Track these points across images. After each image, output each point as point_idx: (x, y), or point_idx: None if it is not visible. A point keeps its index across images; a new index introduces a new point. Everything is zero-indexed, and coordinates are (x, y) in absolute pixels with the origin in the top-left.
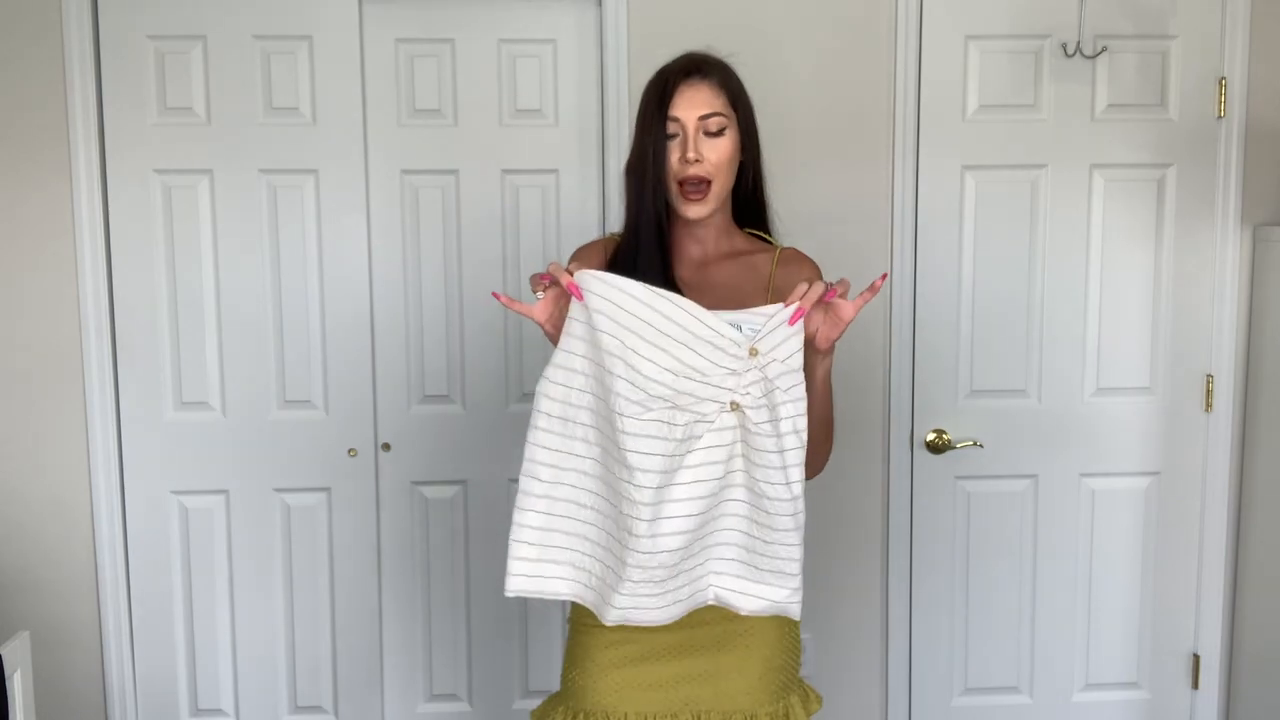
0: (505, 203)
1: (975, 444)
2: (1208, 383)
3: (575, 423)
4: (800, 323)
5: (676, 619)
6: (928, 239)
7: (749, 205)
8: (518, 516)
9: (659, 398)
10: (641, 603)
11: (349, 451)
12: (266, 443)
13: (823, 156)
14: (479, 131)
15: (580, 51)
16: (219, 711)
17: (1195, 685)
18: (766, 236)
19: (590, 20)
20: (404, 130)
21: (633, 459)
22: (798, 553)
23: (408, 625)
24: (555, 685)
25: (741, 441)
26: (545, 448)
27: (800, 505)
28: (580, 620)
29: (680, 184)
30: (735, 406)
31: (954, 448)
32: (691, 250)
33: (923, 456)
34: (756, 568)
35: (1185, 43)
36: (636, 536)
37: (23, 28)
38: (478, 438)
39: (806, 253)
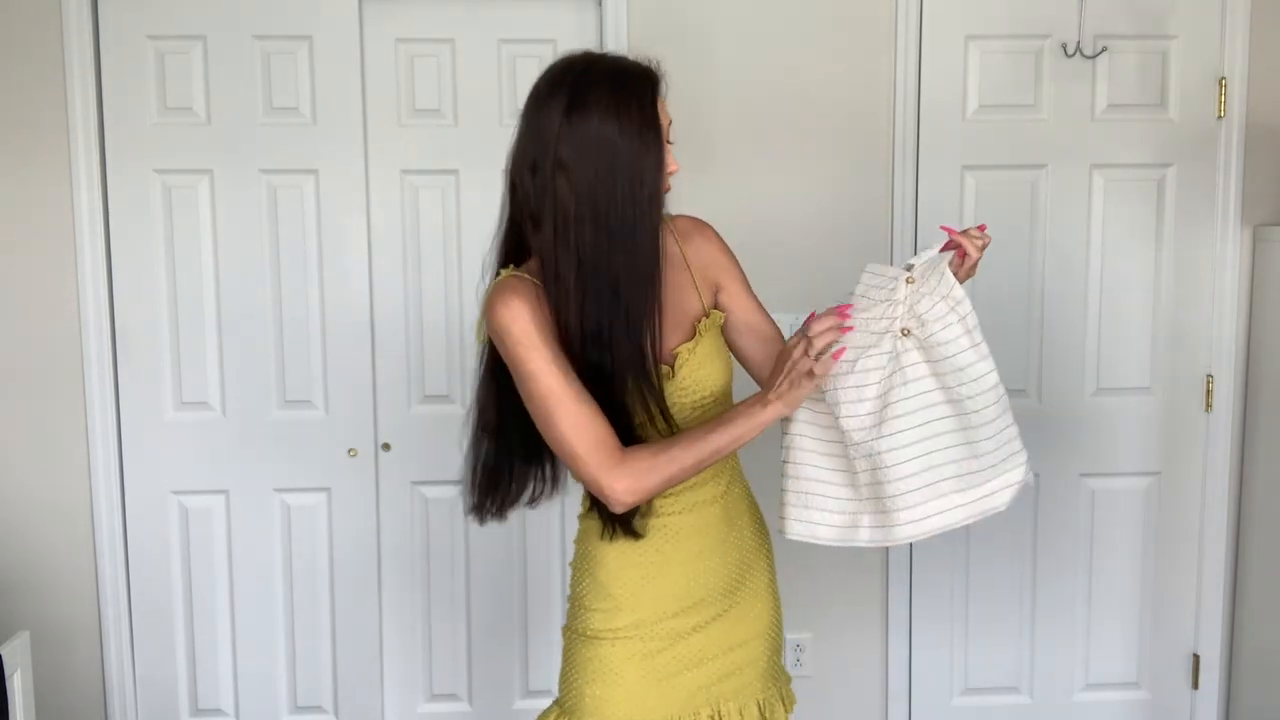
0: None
1: None
2: (1208, 383)
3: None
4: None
5: (923, 536)
6: (927, 239)
7: None
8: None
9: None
10: (883, 526)
11: (349, 451)
12: (266, 443)
13: (823, 156)
14: (479, 131)
15: None
16: (219, 711)
17: (1195, 685)
18: None
19: (590, 20)
20: (404, 130)
21: (828, 396)
22: (1016, 429)
23: (408, 625)
24: (555, 685)
25: (925, 362)
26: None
27: (1001, 387)
28: (589, 633)
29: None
30: (906, 332)
31: None
32: None
33: None
34: (981, 470)
35: (1185, 43)
36: (857, 473)
37: (23, 28)
38: None
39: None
